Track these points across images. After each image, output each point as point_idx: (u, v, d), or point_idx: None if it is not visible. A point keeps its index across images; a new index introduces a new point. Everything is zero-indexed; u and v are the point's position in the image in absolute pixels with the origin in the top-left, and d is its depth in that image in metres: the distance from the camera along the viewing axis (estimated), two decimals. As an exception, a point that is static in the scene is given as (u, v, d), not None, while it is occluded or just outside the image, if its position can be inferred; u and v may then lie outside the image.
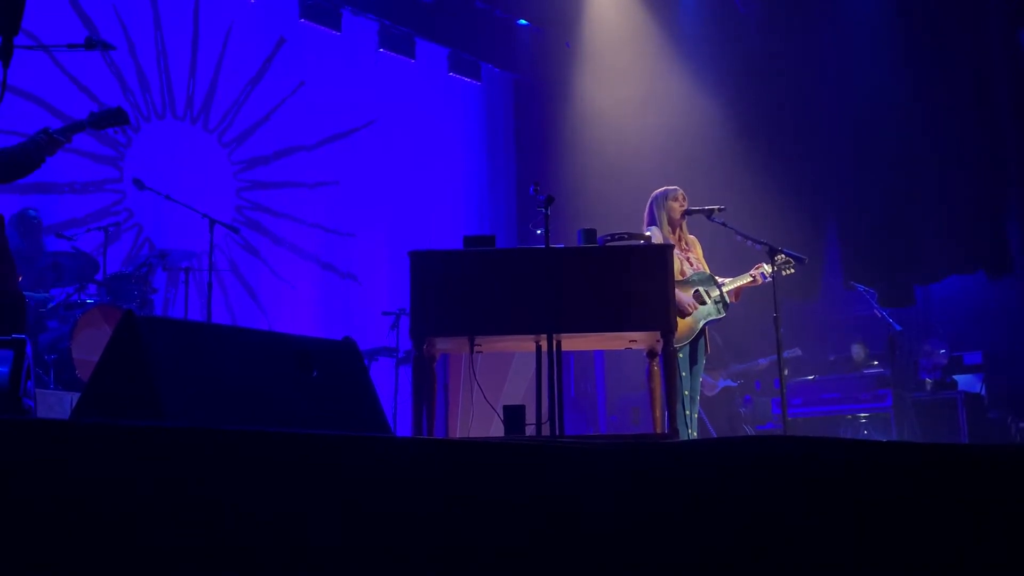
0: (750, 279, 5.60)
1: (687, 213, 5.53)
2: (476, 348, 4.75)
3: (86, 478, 1.62)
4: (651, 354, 5.01)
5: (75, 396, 5.20)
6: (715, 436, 7.70)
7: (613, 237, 4.79)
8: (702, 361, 5.51)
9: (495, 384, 6.33)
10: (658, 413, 4.89)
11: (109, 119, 4.24)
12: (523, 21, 10.55)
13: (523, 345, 4.94)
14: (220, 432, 1.74)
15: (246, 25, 8.82)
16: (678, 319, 4.98)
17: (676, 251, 5.42)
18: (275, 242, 8.82)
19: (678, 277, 5.33)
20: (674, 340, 4.77)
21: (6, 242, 3.83)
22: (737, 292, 5.62)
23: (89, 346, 5.72)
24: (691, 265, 5.52)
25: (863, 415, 8.15)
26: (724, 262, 5.86)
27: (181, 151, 8.22)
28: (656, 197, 5.59)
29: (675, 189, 5.58)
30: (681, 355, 5.32)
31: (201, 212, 6.45)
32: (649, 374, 4.99)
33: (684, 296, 5.32)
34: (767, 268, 5.55)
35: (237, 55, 8.75)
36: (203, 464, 1.68)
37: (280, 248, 8.84)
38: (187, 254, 7.10)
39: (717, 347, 6.81)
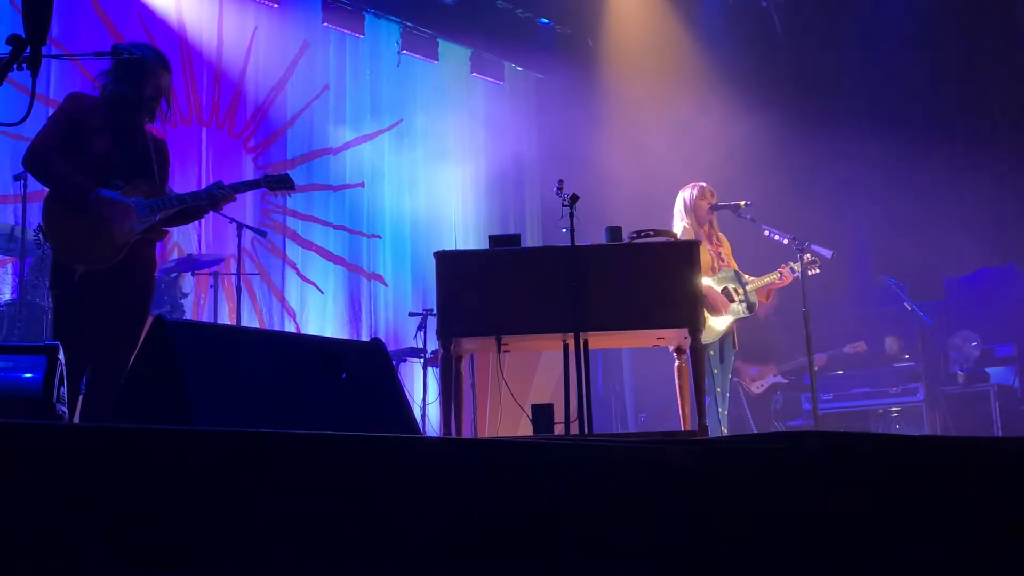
0: (776, 277, 5.56)
1: (714, 208, 5.51)
2: (503, 348, 4.75)
3: (119, 483, 1.63)
4: (679, 351, 4.99)
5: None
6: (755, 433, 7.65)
7: (639, 234, 4.77)
8: (731, 358, 5.49)
9: (523, 383, 6.32)
10: (687, 410, 4.87)
11: (279, 184, 4.46)
12: (545, 20, 10.54)
13: (550, 344, 4.93)
14: (251, 435, 1.76)
15: (270, 30, 8.87)
16: (707, 315, 4.96)
17: (707, 245, 5.40)
18: (302, 245, 8.87)
19: (708, 272, 5.31)
20: (702, 337, 4.75)
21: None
22: (768, 292, 5.58)
23: (120, 351, 5.77)
24: (721, 260, 5.50)
25: (894, 409, 8.08)
26: (750, 260, 5.83)
27: (207, 157, 8.29)
28: (684, 193, 5.58)
29: (702, 185, 5.56)
30: (712, 352, 5.30)
31: (228, 217, 6.49)
32: (677, 371, 4.98)
33: (716, 293, 5.30)
34: (794, 266, 5.52)
35: (261, 60, 8.80)
36: (234, 468, 1.69)
37: (307, 251, 8.89)
38: (215, 258, 7.15)
39: (774, 343, 6.72)
